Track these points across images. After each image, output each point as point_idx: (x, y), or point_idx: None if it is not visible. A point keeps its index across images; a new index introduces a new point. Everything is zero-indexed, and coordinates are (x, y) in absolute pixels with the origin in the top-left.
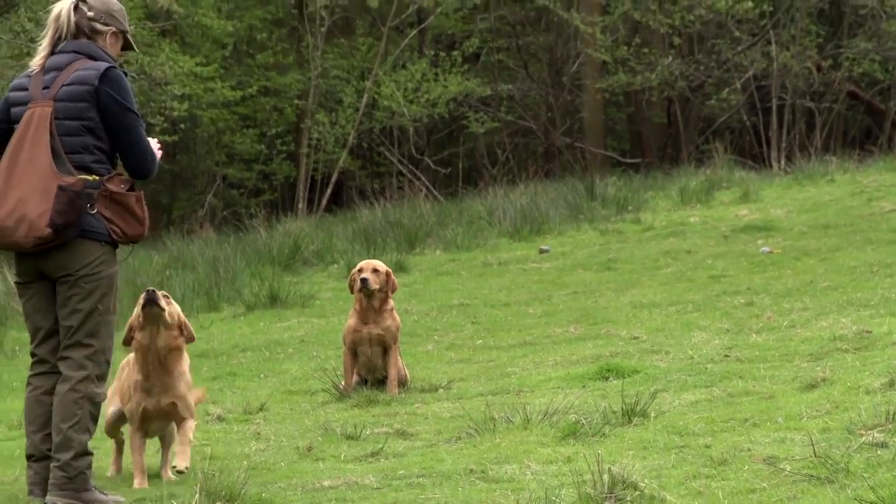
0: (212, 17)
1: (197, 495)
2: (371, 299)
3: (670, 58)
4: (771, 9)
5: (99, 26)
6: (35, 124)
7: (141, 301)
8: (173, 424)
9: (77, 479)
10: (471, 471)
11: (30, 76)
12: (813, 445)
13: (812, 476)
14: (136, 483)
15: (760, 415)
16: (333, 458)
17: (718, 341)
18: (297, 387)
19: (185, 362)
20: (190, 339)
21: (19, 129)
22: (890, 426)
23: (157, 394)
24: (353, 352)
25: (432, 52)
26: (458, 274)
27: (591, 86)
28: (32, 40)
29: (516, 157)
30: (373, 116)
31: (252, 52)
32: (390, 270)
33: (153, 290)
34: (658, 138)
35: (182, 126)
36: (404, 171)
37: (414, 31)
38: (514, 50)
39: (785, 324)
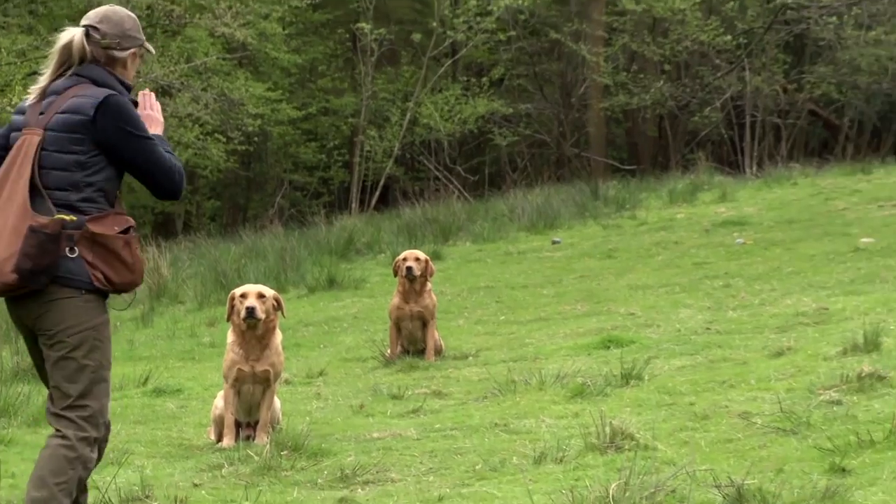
0: (281, 51)
1: (267, 446)
2: (413, 283)
3: (661, 82)
4: (745, 41)
5: (116, 53)
6: (23, 154)
7: (242, 315)
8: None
9: None
10: (495, 424)
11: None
12: (780, 403)
13: (779, 428)
14: (225, 442)
15: (736, 377)
16: (381, 414)
17: (701, 317)
18: (351, 355)
19: (279, 336)
20: (282, 313)
21: (9, 157)
22: (844, 387)
23: (253, 360)
24: (398, 326)
25: (464, 78)
26: (484, 261)
27: (596, 105)
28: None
29: (533, 164)
30: (414, 132)
31: (313, 78)
32: (428, 258)
33: (251, 308)
34: (651, 149)
35: (255, 140)
36: (440, 177)
37: (449, 61)
38: (531, 76)
39: (756, 302)
